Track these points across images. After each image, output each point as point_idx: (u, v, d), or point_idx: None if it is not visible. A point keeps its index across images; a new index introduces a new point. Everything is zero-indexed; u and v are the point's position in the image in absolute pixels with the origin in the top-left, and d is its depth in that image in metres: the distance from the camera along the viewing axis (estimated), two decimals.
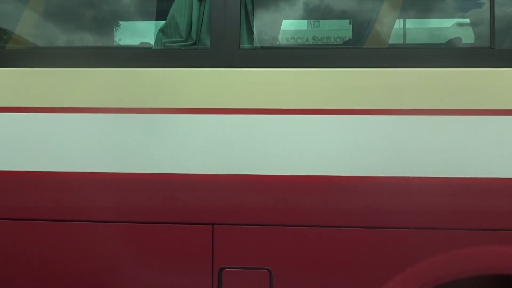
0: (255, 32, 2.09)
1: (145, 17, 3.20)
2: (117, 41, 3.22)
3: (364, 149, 1.79)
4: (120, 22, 3.18)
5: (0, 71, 1.92)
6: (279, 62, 1.87)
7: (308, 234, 1.81)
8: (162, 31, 2.06)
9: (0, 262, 1.91)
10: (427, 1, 2.75)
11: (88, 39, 2.68)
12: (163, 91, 1.87)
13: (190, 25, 1.99)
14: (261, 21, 2.26)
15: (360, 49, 2.11)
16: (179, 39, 2.00)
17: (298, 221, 1.81)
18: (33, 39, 2.42)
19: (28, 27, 2.31)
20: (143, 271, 1.87)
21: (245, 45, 1.97)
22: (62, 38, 2.57)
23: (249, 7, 2.00)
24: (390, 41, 2.23)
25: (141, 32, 3.41)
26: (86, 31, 2.64)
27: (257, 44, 2.13)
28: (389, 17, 2.14)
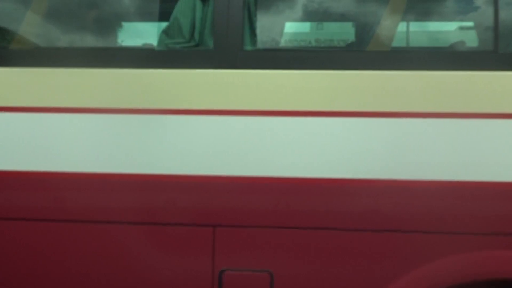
0: (258, 34, 2.08)
1: (148, 18, 3.20)
2: (120, 42, 3.22)
3: (367, 151, 1.78)
4: (123, 23, 3.18)
5: (3, 70, 1.93)
6: (282, 64, 1.86)
7: (310, 237, 1.81)
8: (165, 32, 2.06)
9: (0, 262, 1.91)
10: (430, 4, 2.74)
11: (90, 40, 2.68)
12: (165, 92, 1.86)
13: (193, 26, 1.99)
14: (264, 23, 2.26)
15: (363, 52, 2.11)
16: (182, 40, 2.00)
17: (300, 223, 1.81)
18: (36, 39, 2.42)
19: (31, 27, 2.32)
20: (144, 272, 1.86)
21: (248, 47, 1.97)
22: (65, 38, 2.57)
23: (252, 8, 2.00)
24: (393, 44, 2.22)
25: (144, 33, 3.41)
26: (88, 31, 2.64)
27: (260, 46, 2.13)
28: (392, 20, 2.13)
